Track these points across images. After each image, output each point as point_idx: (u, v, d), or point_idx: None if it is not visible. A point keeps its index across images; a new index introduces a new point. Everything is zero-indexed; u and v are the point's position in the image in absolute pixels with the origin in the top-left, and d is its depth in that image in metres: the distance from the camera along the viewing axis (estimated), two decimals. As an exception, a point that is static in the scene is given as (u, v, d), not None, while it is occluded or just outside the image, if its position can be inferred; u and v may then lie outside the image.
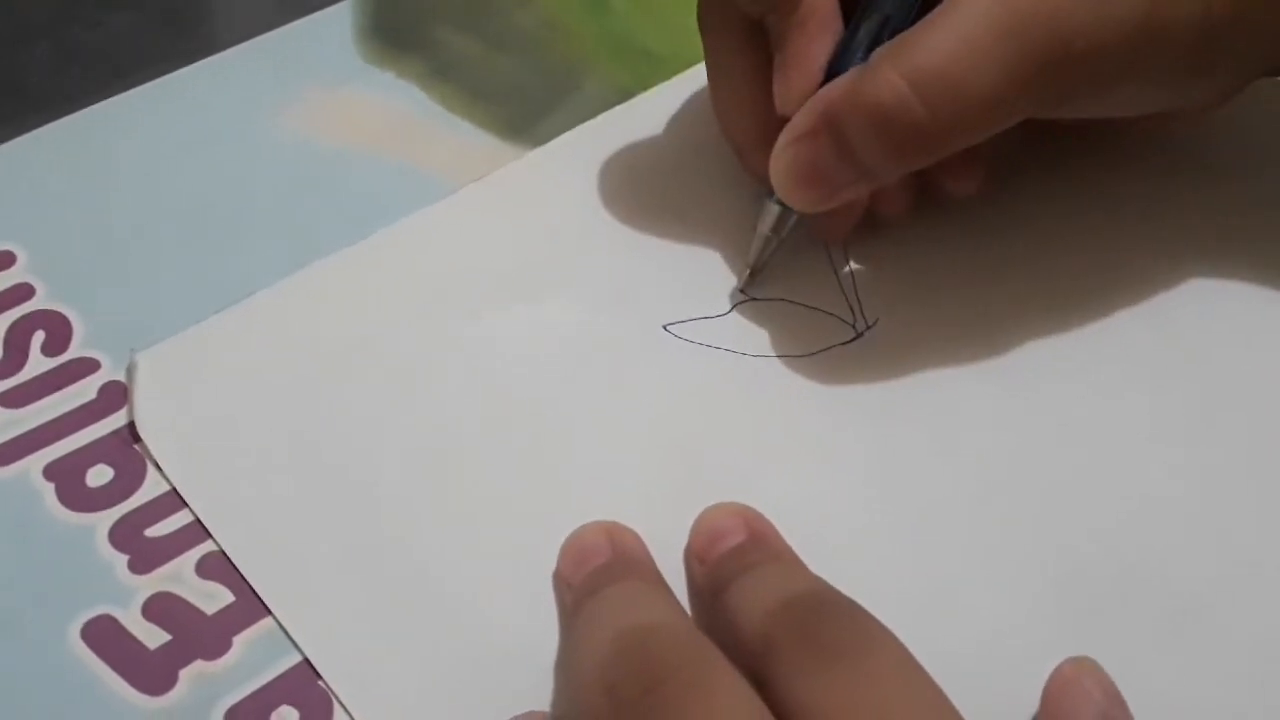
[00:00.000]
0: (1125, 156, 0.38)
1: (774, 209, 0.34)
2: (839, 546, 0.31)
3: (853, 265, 0.36)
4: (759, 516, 0.30)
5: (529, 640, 0.29)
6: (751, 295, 0.35)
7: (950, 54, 0.30)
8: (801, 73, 0.33)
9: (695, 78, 0.40)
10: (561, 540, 0.30)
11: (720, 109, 0.37)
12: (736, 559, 0.29)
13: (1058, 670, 0.28)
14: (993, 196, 0.37)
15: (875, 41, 0.32)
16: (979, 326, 0.35)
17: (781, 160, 0.32)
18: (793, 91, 0.33)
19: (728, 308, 0.35)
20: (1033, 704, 0.28)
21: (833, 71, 0.33)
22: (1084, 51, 0.30)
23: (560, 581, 0.29)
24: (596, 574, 0.28)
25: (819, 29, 0.33)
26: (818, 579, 0.28)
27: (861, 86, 0.31)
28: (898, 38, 0.31)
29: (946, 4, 0.31)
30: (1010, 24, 0.30)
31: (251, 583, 0.30)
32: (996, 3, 0.30)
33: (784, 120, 0.33)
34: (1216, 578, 0.31)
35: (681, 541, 0.30)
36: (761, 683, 0.24)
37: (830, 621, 0.25)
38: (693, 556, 0.30)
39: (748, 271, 0.35)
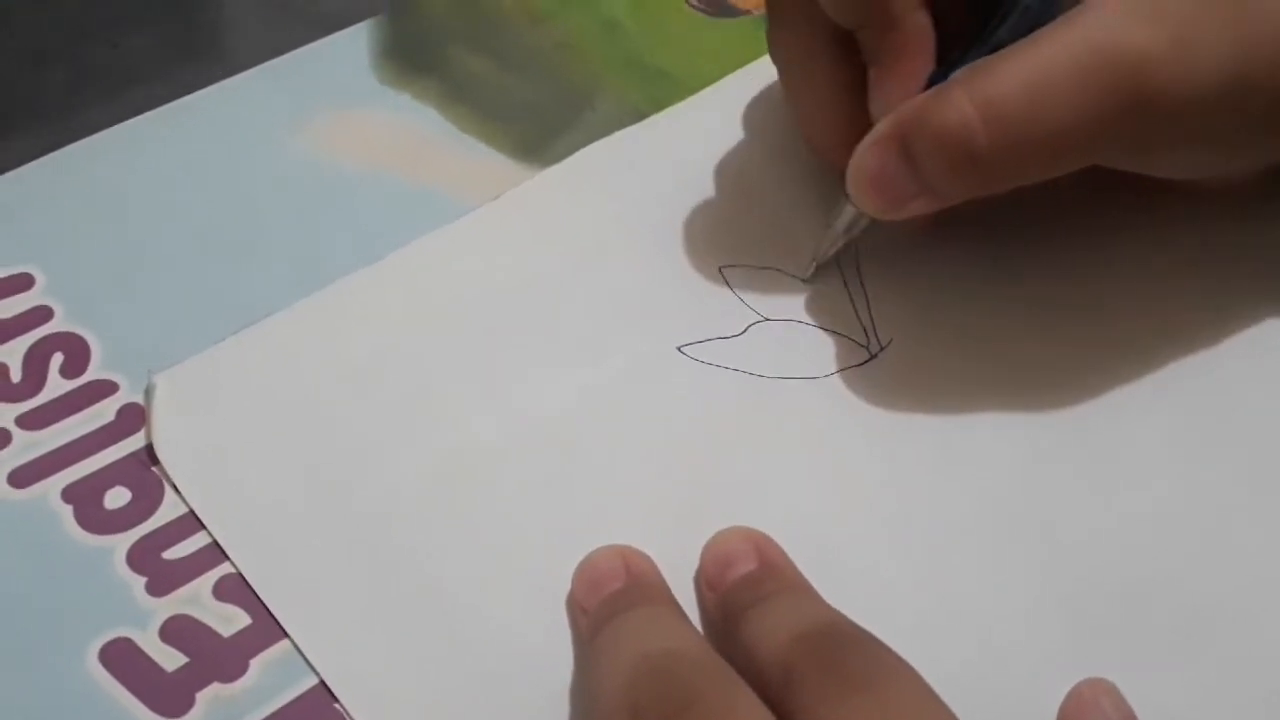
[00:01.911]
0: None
1: (849, 209, 0.34)
2: (850, 568, 0.31)
3: (867, 287, 0.36)
4: (769, 541, 0.30)
5: (544, 663, 0.29)
6: (815, 283, 0.36)
7: (1025, 87, 0.30)
8: (898, 86, 0.33)
9: (708, 98, 0.40)
10: (576, 563, 0.30)
11: (803, 113, 0.36)
12: (750, 588, 0.29)
13: (1074, 691, 0.28)
14: (1007, 216, 0.37)
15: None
16: (992, 348, 0.35)
17: (855, 164, 0.32)
18: (889, 102, 0.33)
19: (742, 328, 0.35)
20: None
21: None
22: (1164, 108, 0.30)
23: (575, 606, 0.30)
24: (613, 599, 0.28)
25: (917, 50, 0.33)
26: (831, 609, 0.28)
27: (931, 105, 0.31)
28: (979, 61, 0.31)
29: (1036, 34, 0.30)
30: (1094, 65, 0.29)
31: (268, 605, 0.30)
32: (1083, 42, 0.29)
33: (869, 126, 0.33)
34: (1228, 595, 0.31)
35: (694, 564, 0.30)
36: (782, 713, 0.25)
37: (849, 652, 0.26)
38: (703, 582, 0.30)
39: (813, 265, 0.36)
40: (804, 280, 0.36)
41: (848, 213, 0.35)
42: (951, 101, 0.30)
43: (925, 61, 0.33)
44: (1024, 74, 0.30)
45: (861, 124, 0.33)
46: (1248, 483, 0.32)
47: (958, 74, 0.31)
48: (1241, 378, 0.34)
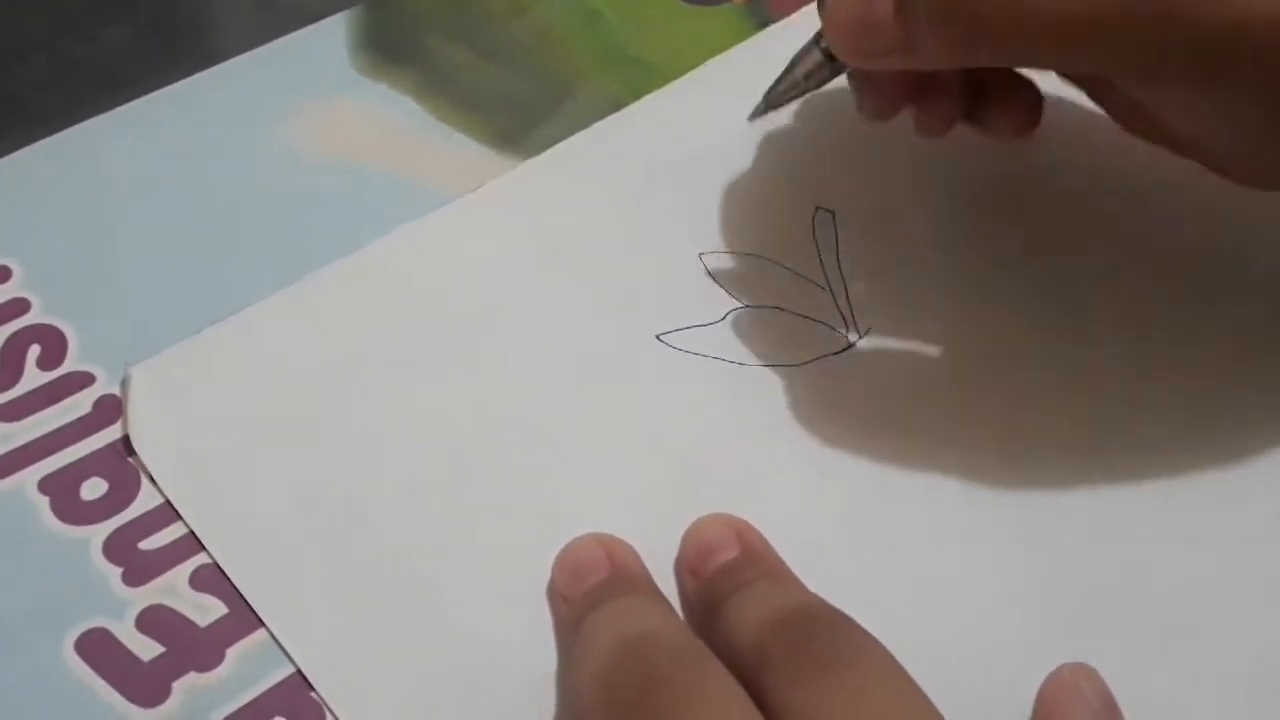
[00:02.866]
0: (1122, 167, 0.38)
1: (816, 55, 0.33)
2: (830, 555, 0.31)
3: (845, 274, 0.36)
4: (749, 528, 0.30)
5: (523, 652, 0.29)
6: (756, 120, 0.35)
7: None
8: None
9: (686, 86, 0.40)
10: (555, 552, 0.30)
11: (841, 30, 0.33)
12: (730, 576, 0.29)
13: (1054, 674, 0.28)
14: (988, 203, 0.37)
15: None
16: (971, 335, 0.35)
17: (841, 5, 0.30)
18: None
19: (721, 315, 0.35)
20: (1027, 710, 0.28)
21: None
22: (1186, 26, 0.27)
23: (556, 595, 0.30)
24: (597, 590, 0.28)
25: None
26: (809, 593, 0.28)
27: None
28: None
29: None
30: None
31: (244, 595, 0.30)
32: None
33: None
34: (1208, 585, 0.31)
35: (675, 552, 0.30)
36: (756, 694, 0.25)
37: (821, 633, 0.26)
38: (684, 569, 0.30)
39: (763, 107, 0.34)
40: (747, 120, 0.34)
41: (812, 58, 0.33)
42: None
43: None
44: None
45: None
46: (1226, 474, 0.32)
47: None
48: (1225, 372, 0.34)
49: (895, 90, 0.34)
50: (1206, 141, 0.32)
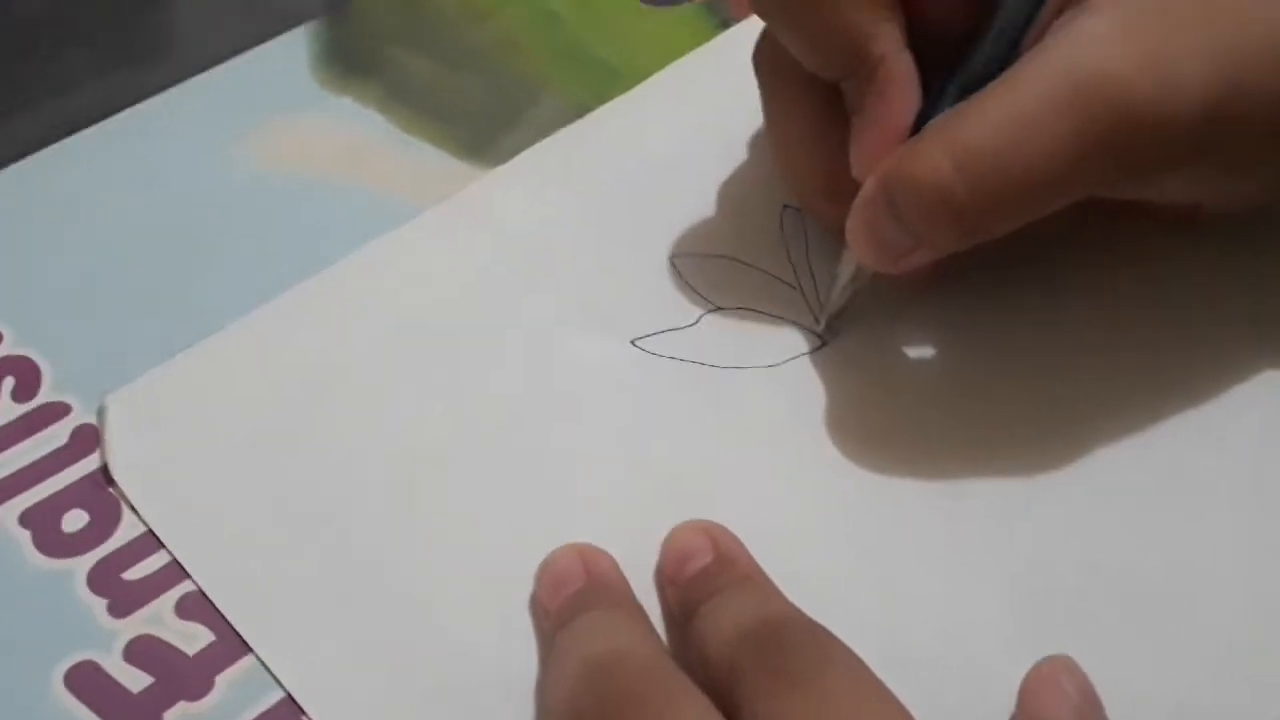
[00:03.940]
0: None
1: (852, 260, 0.33)
2: (807, 556, 0.31)
3: (816, 274, 0.36)
4: (725, 533, 0.30)
5: (511, 668, 0.29)
6: (830, 338, 0.35)
7: (999, 131, 0.29)
8: (877, 139, 0.31)
9: (651, 89, 0.40)
10: (538, 564, 0.30)
11: (783, 158, 0.35)
12: (705, 583, 0.29)
13: (1035, 669, 0.29)
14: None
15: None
16: (943, 330, 0.35)
17: (851, 224, 0.31)
18: (866, 157, 0.32)
19: (695, 318, 0.35)
20: (1008, 704, 0.29)
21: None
22: (1150, 129, 0.28)
23: (538, 608, 0.30)
24: (572, 601, 0.29)
25: (899, 94, 0.31)
26: (781, 600, 0.29)
27: (906, 160, 0.30)
28: (951, 110, 0.30)
29: (1007, 74, 0.29)
30: (1069, 98, 0.28)
31: (231, 621, 0.30)
32: (1055, 75, 0.28)
33: (848, 170, 0.32)
34: (1181, 570, 0.31)
35: (655, 559, 0.30)
36: (729, 709, 0.25)
37: (790, 645, 0.26)
38: (663, 578, 0.30)
39: (824, 319, 0.35)
40: (817, 334, 0.35)
41: (850, 263, 0.33)
42: (924, 155, 0.29)
43: (908, 107, 0.31)
44: (997, 117, 0.29)
45: (839, 169, 0.32)
46: (1195, 464, 0.33)
47: (933, 123, 0.30)
48: (1192, 367, 0.34)
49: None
50: (1212, 201, 0.33)
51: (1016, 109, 0.29)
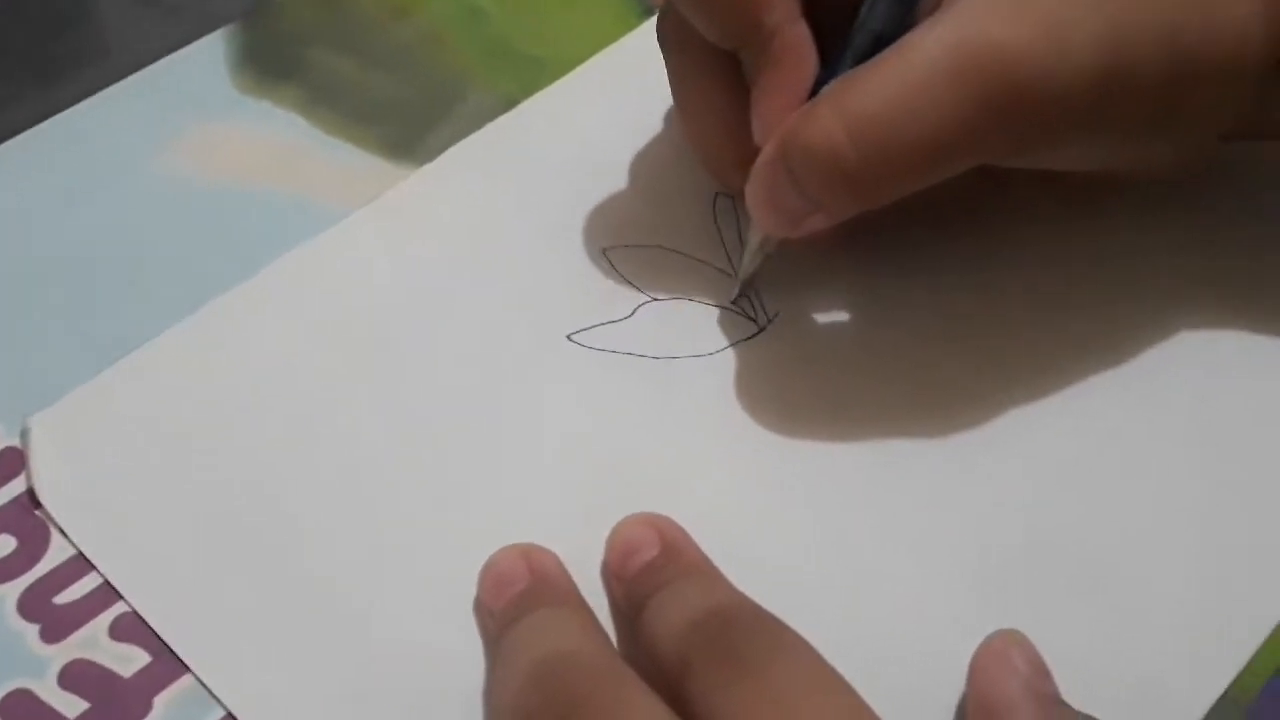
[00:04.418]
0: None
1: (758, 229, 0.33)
2: (753, 543, 0.31)
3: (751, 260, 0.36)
4: (671, 525, 0.30)
5: (456, 671, 0.29)
6: (737, 308, 0.35)
7: (889, 97, 0.29)
8: (775, 107, 0.32)
9: (578, 80, 0.40)
10: (480, 565, 0.30)
11: (690, 130, 0.36)
12: (651, 576, 0.28)
13: (984, 644, 0.29)
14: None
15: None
16: (877, 308, 0.35)
17: (750, 186, 0.32)
18: (765, 125, 0.32)
19: (630, 311, 0.35)
20: (960, 679, 0.28)
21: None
22: (1038, 99, 0.29)
23: (482, 609, 0.29)
24: (516, 601, 0.28)
25: (794, 62, 0.32)
26: (729, 589, 0.28)
27: (800, 124, 0.30)
28: (844, 76, 0.30)
29: (899, 43, 0.30)
30: (958, 67, 0.28)
31: (167, 641, 0.29)
32: (945, 45, 0.29)
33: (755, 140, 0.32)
34: (1124, 542, 0.31)
35: (600, 556, 0.30)
36: (680, 702, 0.25)
37: (740, 635, 0.26)
38: (610, 573, 0.30)
39: (738, 286, 0.35)
40: (731, 304, 0.35)
41: (759, 230, 0.34)
42: (818, 120, 0.30)
43: (804, 75, 0.32)
44: (889, 84, 0.29)
45: (744, 138, 0.33)
46: (1137, 433, 0.33)
47: (827, 88, 0.31)
48: (1134, 337, 0.35)
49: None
50: (1109, 172, 0.34)
51: (908, 76, 0.29)
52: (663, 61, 0.35)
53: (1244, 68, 0.30)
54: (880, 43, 0.30)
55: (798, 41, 0.32)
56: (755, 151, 0.32)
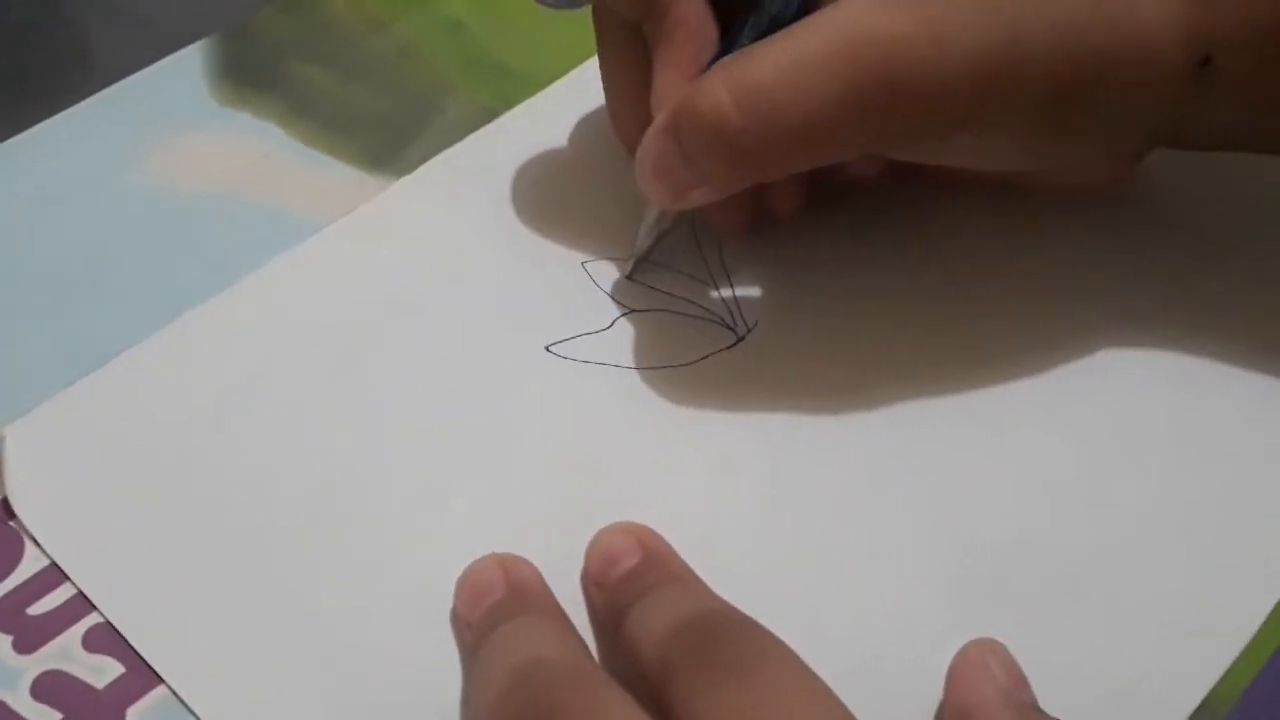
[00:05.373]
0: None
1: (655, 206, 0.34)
2: (733, 551, 0.31)
3: (730, 270, 0.36)
4: (651, 534, 0.30)
5: (432, 683, 0.29)
6: (638, 280, 0.36)
7: (778, 73, 0.29)
8: (671, 79, 0.33)
9: (555, 93, 0.40)
10: (458, 576, 0.30)
11: (610, 103, 0.37)
12: (632, 584, 0.28)
13: (961, 652, 0.28)
14: (860, 200, 0.37)
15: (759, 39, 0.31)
16: (857, 316, 0.35)
17: (639, 155, 0.32)
18: (660, 96, 0.33)
19: (609, 322, 0.35)
20: (937, 687, 0.28)
21: None
22: (916, 92, 0.29)
23: (459, 620, 0.29)
24: (492, 611, 0.28)
25: (686, 37, 0.33)
26: (711, 597, 0.28)
27: (694, 92, 0.30)
28: (741, 51, 0.31)
29: (798, 23, 0.30)
30: (843, 51, 0.29)
31: (141, 652, 0.29)
32: (837, 27, 0.29)
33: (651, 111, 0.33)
34: (1102, 549, 0.31)
35: (580, 565, 0.30)
36: (662, 709, 0.24)
37: (723, 641, 0.26)
38: (590, 581, 0.30)
39: (632, 260, 0.35)
40: (627, 278, 0.36)
41: (654, 207, 0.34)
42: (708, 88, 0.30)
43: (700, 49, 0.33)
44: (778, 60, 0.29)
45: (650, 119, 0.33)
46: (1115, 439, 0.33)
47: (721, 62, 0.31)
48: (1110, 343, 0.35)
49: (733, 206, 0.35)
50: (998, 170, 0.34)
51: (797, 55, 0.29)
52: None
53: (1157, 73, 0.30)
54: (777, 25, 0.31)
55: (693, 16, 0.33)
56: None
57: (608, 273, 0.36)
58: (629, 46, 0.35)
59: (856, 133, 0.30)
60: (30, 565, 0.30)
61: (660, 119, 0.32)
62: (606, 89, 0.36)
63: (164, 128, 0.39)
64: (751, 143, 0.30)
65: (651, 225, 0.35)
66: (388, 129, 0.39)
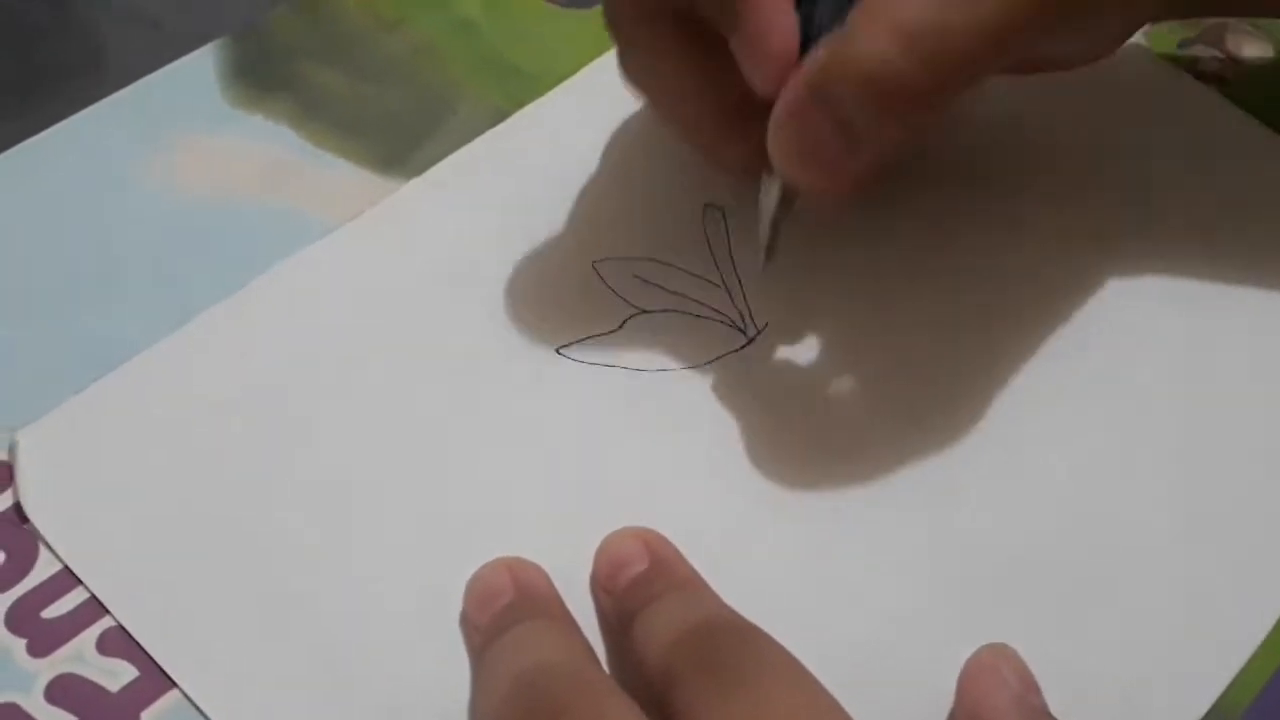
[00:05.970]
0: (1014, 149, 0.39)
1: (775, 188, 0.32)
2: (742, 556, 0.31)
3: (739, 270, 0.36)
4: (660, 539, 0.30)
5: (442, 687, 0.29)
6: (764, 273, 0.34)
7: (934, 1, 0.28)
8: (771, 46, 0.30)
9: (567, 92, 0.40)
10: (467, 579, 0.30)
11: (663, 107, 0.34)
12: (640, 590, 0.28)
13: (973, 658, 0.28)
14: (873, 189, 0.37)
15: (844, 2, 0.29)
16: (867, 320, 0.35)
17: (778, 142, 0.30)
18: (769, 70, 0.30)
19: (619, 323, 0.35)
20: (948, 693, 0.28)
21: (805, 43, 0.30)
22: None
23: (468, 624, 0.29)
24: (501, 615, 0.28)
25: (774, 2, 0.30)
26: (717, 604, 0.28)
27: (844, 51, 0.28)
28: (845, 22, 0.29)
29: None
30: None
31: (154, 656, 0.29)
32: None
33: (744, 103, 0.31)
34: (1115, 554, 0.31)
35: (589, 569, 0.30)
36: (668, 715, 0.24)
37: (727, 650, 0.26)
38: (598, 586, 0.30)
39: (763, 255, 0.34)
40: (760, 274, 0.34)
41: (771, 193, 0.32)
42: (864, 40, 0.28)
43: (787, 10, 0.30)
44: None
45: (727, 104, 0.32)
46: (1125, 447, 0.33)
47: (852, 16, 0.29)
48: (1115, 345, 0.35)
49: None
50: (1072, 56, 0.33)
51: None
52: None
53: None
54: None
55: None
56: (738, 113, 0.31)
57: (618, 273, 0.36)
58: (673, 38, 0.32)
59: (1023, 32, 0.28)
60: (44, 569, 0.30)
61: (792, 92, 0.29)
62: (653, 93, 0.34)
63: (176, 130, 0.39)
64: (920, 82, 0.28)
65: (774, 213, 0.32)
66: (399, 130, 0.39)
